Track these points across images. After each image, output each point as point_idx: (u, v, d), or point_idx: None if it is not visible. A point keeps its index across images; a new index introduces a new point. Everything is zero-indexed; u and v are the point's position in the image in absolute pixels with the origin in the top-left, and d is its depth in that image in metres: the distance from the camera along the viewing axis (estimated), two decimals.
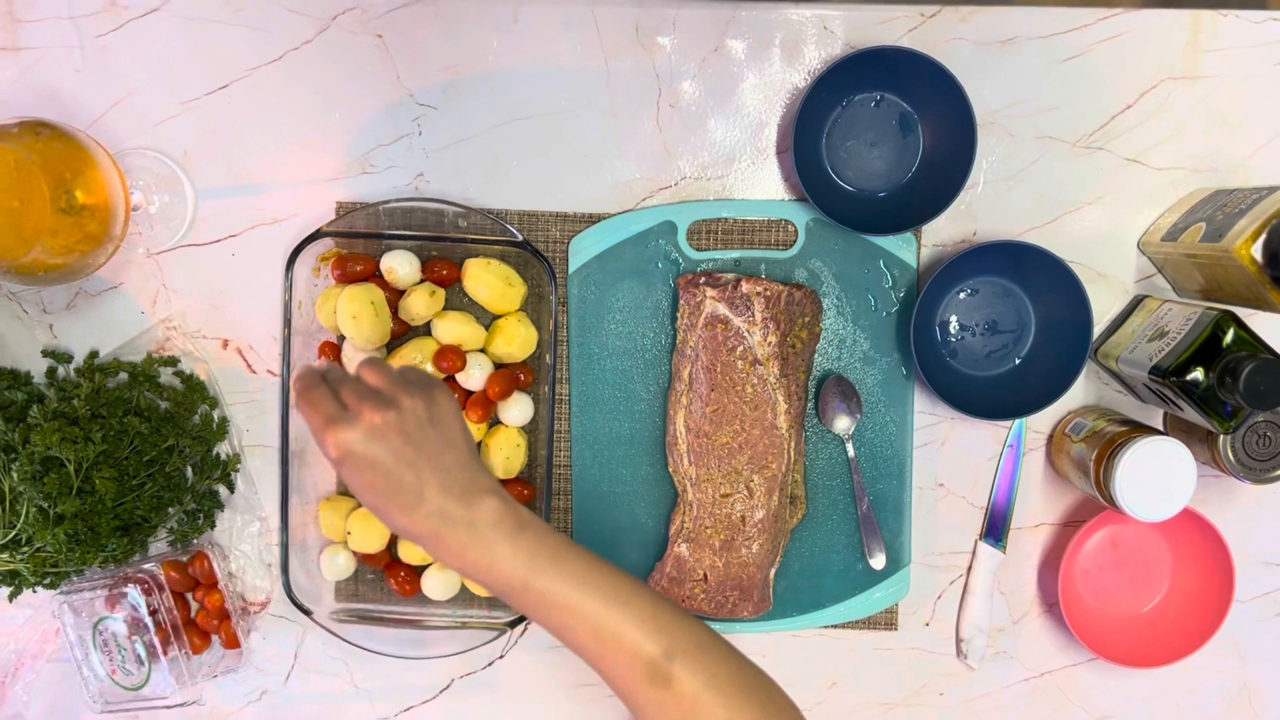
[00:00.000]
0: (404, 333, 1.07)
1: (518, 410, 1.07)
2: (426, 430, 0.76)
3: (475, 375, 1.05)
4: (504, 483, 1.08)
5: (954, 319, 1.08)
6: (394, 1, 1.06)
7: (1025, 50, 1.06)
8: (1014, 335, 1.08)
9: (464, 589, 1.08)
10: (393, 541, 1.08)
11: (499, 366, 1.07)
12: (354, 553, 1.08)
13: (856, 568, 1.10)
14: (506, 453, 1.06)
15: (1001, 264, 1.05)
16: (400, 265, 1.04)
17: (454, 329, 1.05)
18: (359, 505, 1.07)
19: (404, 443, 0.75)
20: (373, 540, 1.06)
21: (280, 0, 1.06)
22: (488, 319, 1.08)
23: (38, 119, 0.93)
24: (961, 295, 1.08)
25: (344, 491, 1.10)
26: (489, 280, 1.04)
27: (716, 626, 1.10)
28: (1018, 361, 1.08)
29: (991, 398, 1.06)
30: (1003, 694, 1.13)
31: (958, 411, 1.04)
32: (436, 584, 1.07)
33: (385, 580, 1.09)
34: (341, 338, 1.06)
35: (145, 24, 1.06)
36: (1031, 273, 1.05)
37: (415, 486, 0.75)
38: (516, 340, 1.05)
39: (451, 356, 1.04)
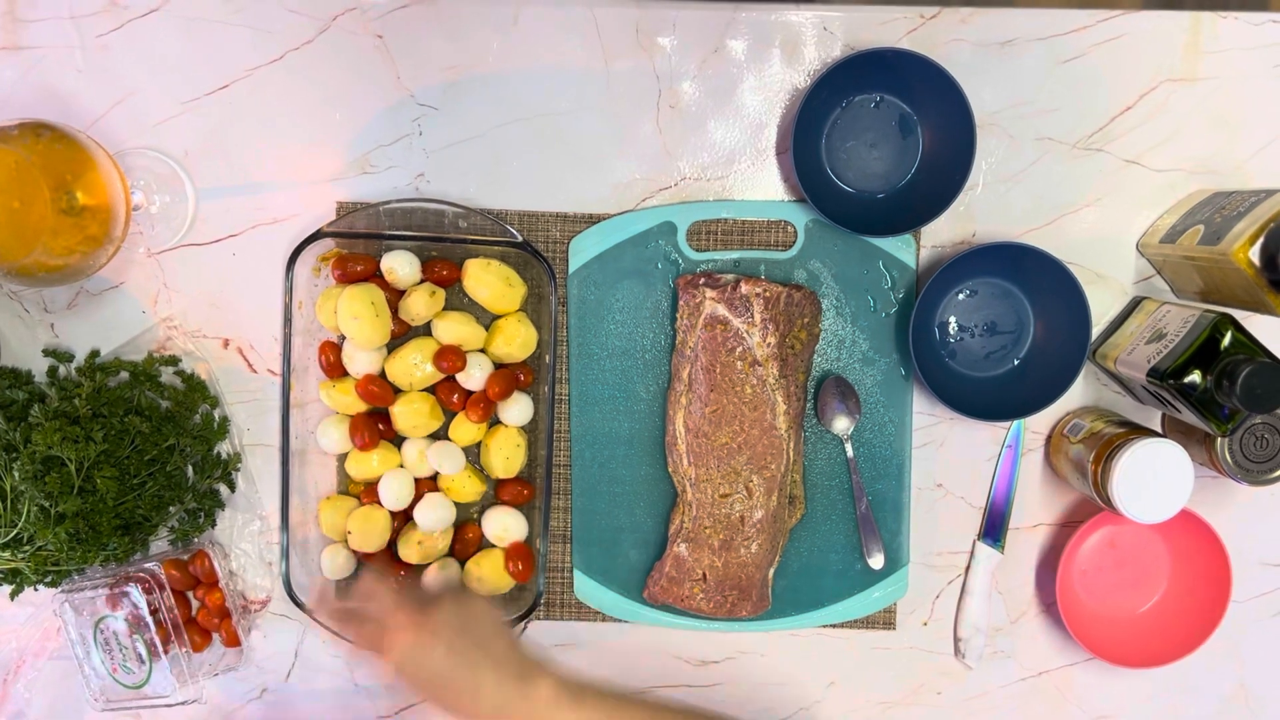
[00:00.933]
0: (404, 333, 1.07)
1: (517, 410, 1.07)
2: (470, 629, 0.83)
3: (475, 375, 1.05)
4: (504, 483, 1.09)
5: (953, 320, 1.08)
6: (394, 2, 1.06)
7: (1025, 52, 1.06)
8: (1013, 336, 1.08)
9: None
10: (392, 541, 1.08)
11: (499, 366, 1.07)
12: (354, 552, 1.08)
13: (855, 567, 1.10)
14: (506, 453, 1.07)
15: (1001, 265, 1.05)
16: (400, 265, 1.04)
17: (454, 329, 1.05)
18: (360, 504, 1.08)
19: (450, 640, 0.82)
20: (373, 540, 1.06)
21: (280, 0, 1.06)
22: (488, 319, 1.08)
23: (38, 120, 0.93)
24: (961, 296, 1.08)
25: (344, 490, 1.10)
26: (489, 280, 1.05)
27: (716, 625, 1.11)
28: (1016, 362, 1.08)
29: (990, 399, 1.06)
30: (1000, 693, 1.13)
31: (956, 413, 1.04)
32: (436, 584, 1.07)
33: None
34: (342, 338, 1.07)
35: (146, 24, 1.06)
36: (1030, 274, 1.05)
37: (471, 682, 0.81)
38: (516, 340, 1.06)
39: (451, 356, 1.04)
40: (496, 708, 0.81)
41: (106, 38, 1.06)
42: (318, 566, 1.09)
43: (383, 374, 1.06)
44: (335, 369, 1.07)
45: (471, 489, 1.08)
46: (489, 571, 1.07)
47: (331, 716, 1.13)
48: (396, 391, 1.07)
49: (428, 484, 1.09)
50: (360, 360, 1.05)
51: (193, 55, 1.07)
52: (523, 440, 1.08)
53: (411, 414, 1.05)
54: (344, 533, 1.07)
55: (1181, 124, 1.07)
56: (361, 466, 1.07)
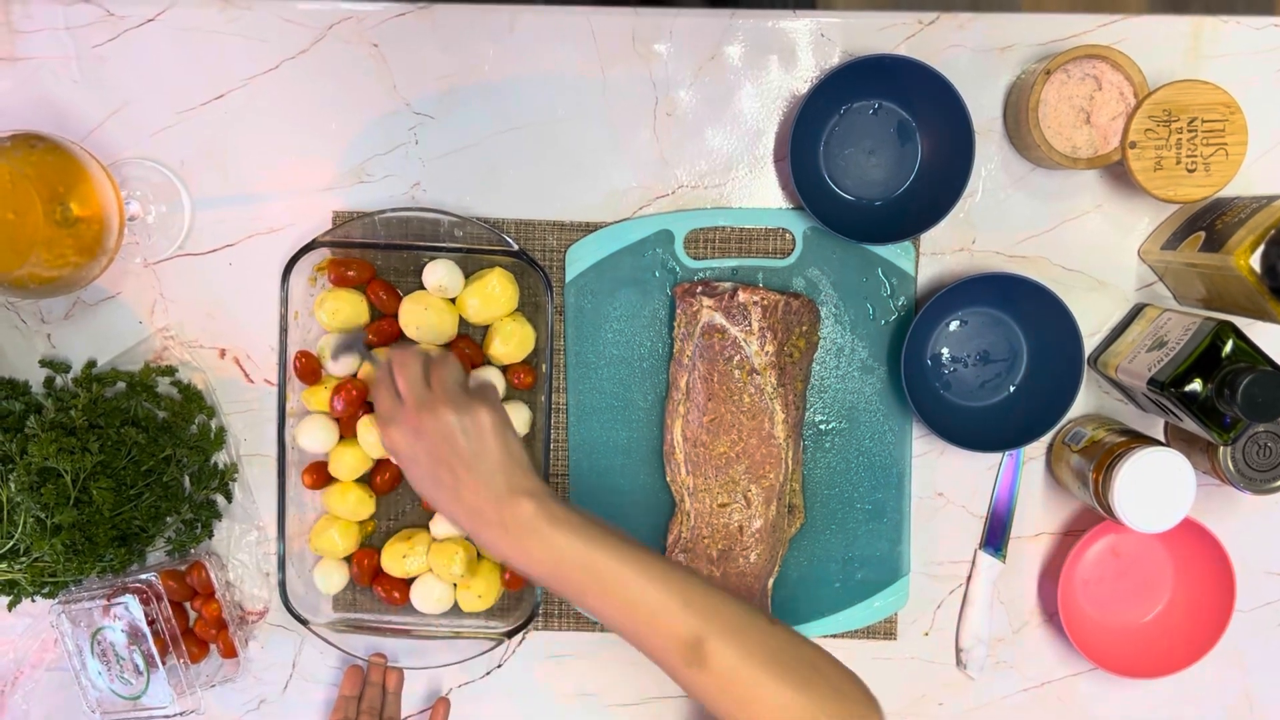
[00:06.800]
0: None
1: (517, 420, 1.06)
2: (459, 441, 0.84)
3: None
4: None
5: (945, 351, 1.08)
6: (390, 10, 1.06)
7: (1024, 57, 1.06)
8: (1006, 364, 1.07)
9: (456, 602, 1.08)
10: (378, 558, 1.08)
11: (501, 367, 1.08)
12: (346, 563, 1.08)
13: (855, 577, 1.10)
14: None
15: (989, 294, 1.04)
16: (446, 277, 1.04)
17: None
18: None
19: (439, 443, 0.84)
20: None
21: (276, 10, 1.05)
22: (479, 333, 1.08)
23: (31, 131, 0.93)
24: (952, 327, 1.07)
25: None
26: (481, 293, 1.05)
27: None
28: (1012, 389, 1.07)
29: (988, 428, 1.06)
30: (1002, 704, 1.12)
31: (957, 446, 1.03)
32: (423, 597, 1.07)
33: (374, 590, 1.09)
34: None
35: (141, 34, 1.06)
36: (1019, 300, 1.04)
37: (451, 484, 0.84)
38: (514, 340, 1.05)
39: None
40: (471, 517, 0.83)
41: (102, 48, 1.06)
42: (314, 577, 1.08)
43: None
44: (310, 375, 1.06)
45: None
46: (484, 574, 1.07)
47: None
48: None
49: None
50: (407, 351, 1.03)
51: (188, 65, 1.06)
52: None
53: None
54: (337, 549, 1.07)
55: None
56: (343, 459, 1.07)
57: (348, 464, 1.06)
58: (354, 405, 1.05)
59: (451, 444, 0.84)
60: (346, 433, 1.06)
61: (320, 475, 1.07)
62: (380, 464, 1.08)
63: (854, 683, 0.81)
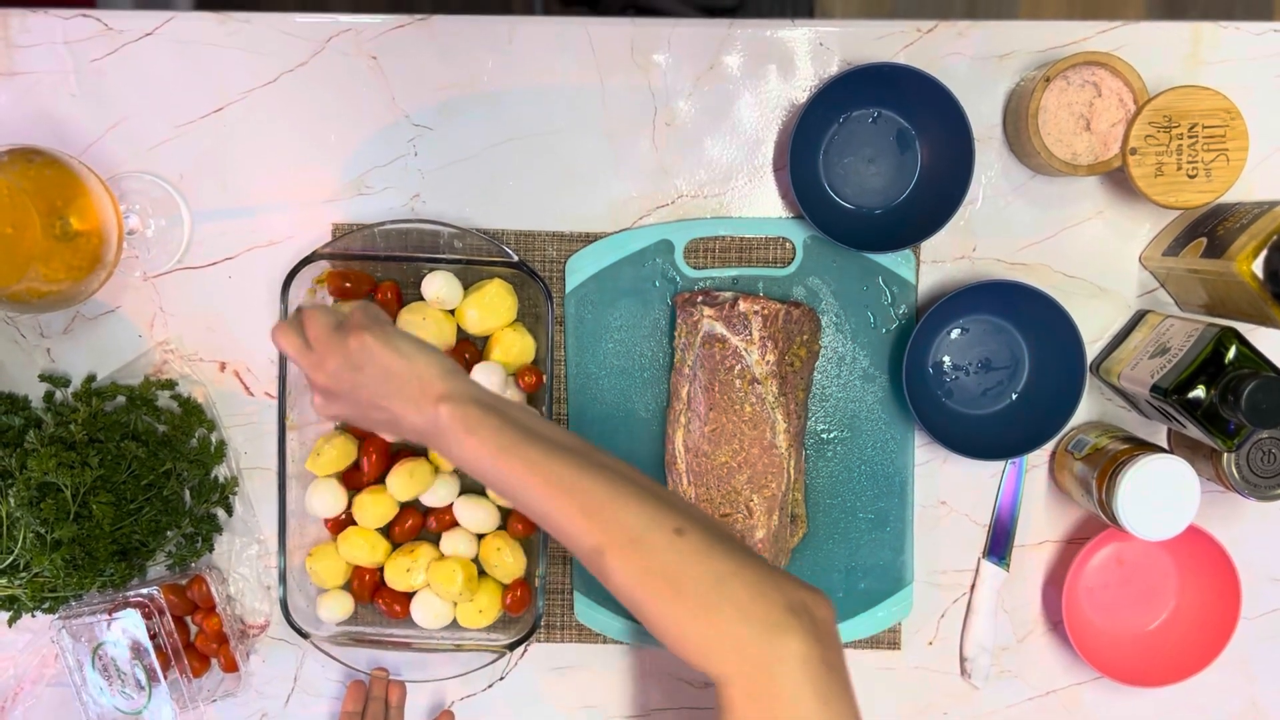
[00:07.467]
0: None
1: None
2: (359, 377, 0.83)
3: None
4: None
5: (947, 359, 1.07)
6: (389, 23, 1.06)
7: (1023, 65, 1.05)
8: (1008, 371, 1.07)
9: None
10: (380, 572, 1.08)
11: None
12: (348, 584, 1.08)
13: (858, 587, 1.09)
14: None
15: (990, 302, 1.04)
16: (444, 288, 1.04)
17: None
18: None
19: (349, 390, 0.84)
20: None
21: (274, 23, 1.06)
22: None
23: (29, 146, 0.93)
24: (953, 335, 1.07)
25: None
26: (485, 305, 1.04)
27: None
28: (1014, 397, 1.07)
29: (990, 436, 1.06)
30: (1007, 714, 1.12)
31: (959, 454, 1.03)
32: (424, 611, 1.07)
33: (375, 603, 1.08)
34: None
35: (140, 48, 1.06)
36: (1021, 308, 1.04)
37: (386, 416, 0.83)
38: (514, 350, 1.05)
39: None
40: (412, 428, 0.83)
41: (100, 62, 1.06)
42: (315, 590, 1.08)
43: None
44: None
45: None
46: (486, 590, 1.06)
47: None
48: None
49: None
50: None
51: (187, 79, 1.06)
52: None
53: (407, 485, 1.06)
54: (335, 578, 1.07)
55: None
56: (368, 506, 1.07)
57: (373, 512, 1.06)
58: (383, 460, 1.06)
59: (356, 383, 0.83)
60: (373, 477, 1.07)
61: (340, 526, 1.07)
62: (401, 514, 1.07)
63: (765, 599, 0.73)
